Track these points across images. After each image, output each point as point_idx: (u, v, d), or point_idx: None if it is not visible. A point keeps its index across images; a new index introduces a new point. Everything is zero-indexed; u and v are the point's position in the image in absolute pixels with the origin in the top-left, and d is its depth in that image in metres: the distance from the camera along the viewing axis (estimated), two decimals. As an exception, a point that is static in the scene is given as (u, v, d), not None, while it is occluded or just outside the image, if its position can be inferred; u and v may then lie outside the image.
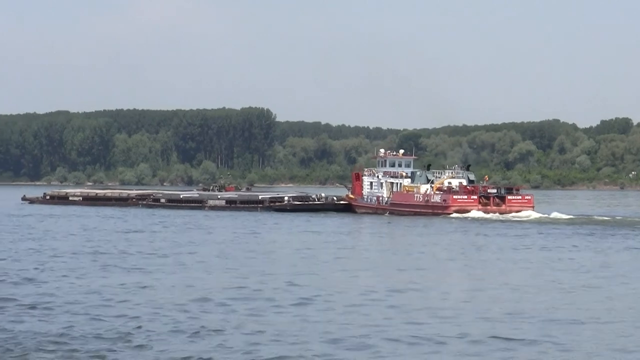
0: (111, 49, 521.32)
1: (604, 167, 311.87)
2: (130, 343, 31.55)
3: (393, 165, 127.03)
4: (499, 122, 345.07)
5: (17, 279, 48.68)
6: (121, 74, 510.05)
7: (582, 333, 35.08)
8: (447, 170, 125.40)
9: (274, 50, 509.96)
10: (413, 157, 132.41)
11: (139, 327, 34.31)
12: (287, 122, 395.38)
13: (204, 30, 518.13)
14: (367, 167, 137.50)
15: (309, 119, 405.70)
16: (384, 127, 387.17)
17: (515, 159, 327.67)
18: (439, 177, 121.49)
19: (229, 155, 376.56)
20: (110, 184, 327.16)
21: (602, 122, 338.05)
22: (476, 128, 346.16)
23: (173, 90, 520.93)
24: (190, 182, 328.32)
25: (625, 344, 32.60)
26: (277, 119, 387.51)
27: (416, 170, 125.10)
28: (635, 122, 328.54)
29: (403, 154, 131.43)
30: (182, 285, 47.46)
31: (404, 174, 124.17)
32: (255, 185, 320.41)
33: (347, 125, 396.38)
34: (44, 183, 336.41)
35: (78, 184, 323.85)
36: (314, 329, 34.69)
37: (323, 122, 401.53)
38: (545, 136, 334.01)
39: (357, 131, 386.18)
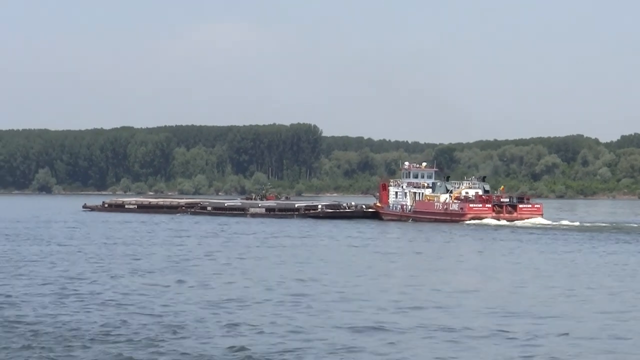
0: (171, 69, 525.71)
1: (623, 178, 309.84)
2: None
3: (416, 177, 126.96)
4: (527, 137, 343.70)
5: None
6: (180, 92, 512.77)
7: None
8: (465, 181, 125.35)
9: (320, 71, 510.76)
10: (434, 169, 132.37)
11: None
12: (333, 136, 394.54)
13: (255, 53, 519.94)
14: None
15: (353, 134, 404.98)
16: (422, 142, 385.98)
17: (541, 171, 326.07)
18: (457, 188, 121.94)
19: (278, 167, 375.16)
20: (170, 193, 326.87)
21: (622, 137, 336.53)
22: (506, 142, 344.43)
23: (228, 107, 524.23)
24: (243, 192, 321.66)
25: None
26: (323, 134, 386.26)
27: (437, 181, 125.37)
28: None
29: (425, 167, 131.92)
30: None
31: (426, 184, 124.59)
32: (303, 194, 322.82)
33: (387, 139, 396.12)
34: (110, 192, 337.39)
35: (140, 193, 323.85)
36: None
37: (365, 137, 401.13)
38: (570, 150, 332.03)
39: (397, 145, 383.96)
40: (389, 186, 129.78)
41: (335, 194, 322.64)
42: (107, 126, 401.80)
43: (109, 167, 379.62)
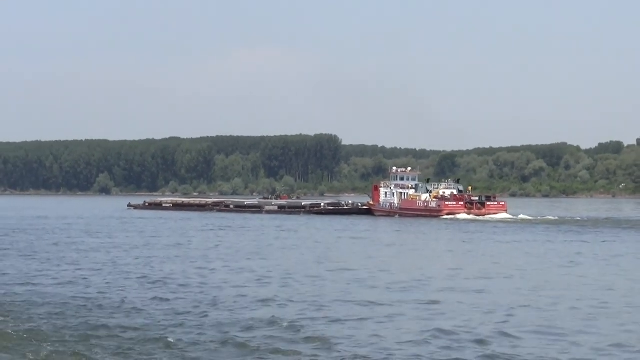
0: (213, 87, 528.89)
1: (600, 180, 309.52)
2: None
3: (402, 179, 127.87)
4: (518, 145, 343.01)
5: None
6: (221, 107, 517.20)
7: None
8: (442, 183, 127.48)
9: (340, 88, 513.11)
10: (417, 173, 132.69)
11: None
12: (351, 145, 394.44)
13: (285, 74, 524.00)
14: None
15: (368, 142, 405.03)
16: (428, 149, 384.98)
17: (530, 174, 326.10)
18: (436, 188, 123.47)
19: (304, 171, 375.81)
20: (211, 194, 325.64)
21: (600, 144, 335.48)
22: (499, 149, 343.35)
23: (261, 120, 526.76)
24: (273, 193, 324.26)
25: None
26: (343, 143, 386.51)
27: (419, 182, 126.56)
28: (625, 145, 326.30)
29: (410, 171, 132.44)
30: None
31: (410, 185, 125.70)
32: (325, 194, 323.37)
33: (398, 147, 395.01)
34: (160, 194, 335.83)
35: (186, 194, 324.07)
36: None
37: (379, 145, 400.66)
38: (554, 155, 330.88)
39: (407, 152, 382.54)
40: (380, 187, 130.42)
41: (352, 194, 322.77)
42: (158, 137, 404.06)
43: (159, 172, 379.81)
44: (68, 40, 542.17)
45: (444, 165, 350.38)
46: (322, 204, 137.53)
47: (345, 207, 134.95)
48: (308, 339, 26.18)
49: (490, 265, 50.76)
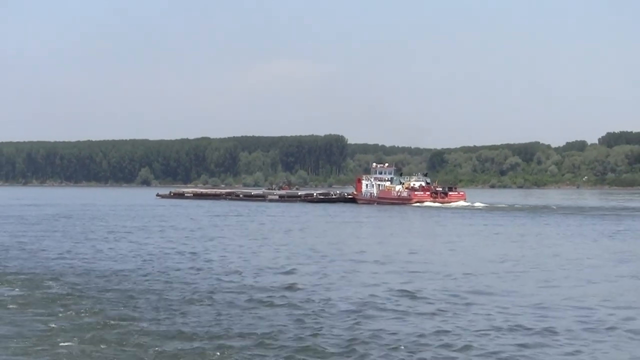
0: (239, 93, 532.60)
1: (566, 173, 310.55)
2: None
3: (381, 173, 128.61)
4: (498, 143, 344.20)
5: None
6: (246, 111, 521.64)
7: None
8: (413, 176, 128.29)
9: (347, 95, 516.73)
10: (393, 167, 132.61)
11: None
12: (356, 143, 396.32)
13: (299, 82, 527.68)
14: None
15: (371, 141, 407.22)
16: (422, 147, 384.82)
17: (507, 168, 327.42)
18: (408, 180, 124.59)
19: (316, 166, 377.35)
20: (236, 186, 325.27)
21: (567, 143, 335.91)
22: (482, 147, 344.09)
23: (278, 122, 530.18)
24: (289, 184, 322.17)
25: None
26: (349, 142, 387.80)
27: (394, 176, 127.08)
28: (589, 143, 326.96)
29: (387, 166, 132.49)
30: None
31: (386, 178, 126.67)
32: (333, 186, 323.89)
33: (396, 146, 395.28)
34: (193, 185, 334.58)
35: (215, 186, 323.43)
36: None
37: (380, 144, 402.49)
38: (528, 152, 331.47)
39: (403, 150, 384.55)
40: (362, 180, 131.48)
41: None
42: (191, 136, 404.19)
43: (192, 167, 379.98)
44: (116, 56, 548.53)
45: (434, 161, 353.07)
46: (315, 194, 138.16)
47: (334, 197, 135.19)
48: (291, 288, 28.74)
49: (434, 239, 53.99)
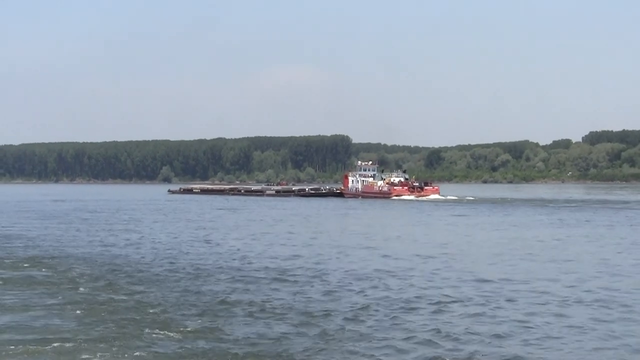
0: (252, 97, 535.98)
1: (552, 169, 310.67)
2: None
3: (365, 170, 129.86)
4: (490, 142, 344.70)
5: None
6: (258, 113, 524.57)
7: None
8: (393, 173, 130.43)
9: (351, 97, 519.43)
10: (376, 165, 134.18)
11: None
12: (360, 143, 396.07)
13: (308, 86, 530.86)
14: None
15: (374, 141, 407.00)
16: (420, 145, 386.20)
17: (498, 165, 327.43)
18: (388, 177, 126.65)
19: (323, 164, 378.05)
20: (250, 182, 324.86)
21: (554, 141, 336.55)
22: (476, 146, 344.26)
23: (287, 123, 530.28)
24: (299, 181, 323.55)
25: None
26: (353, 141, 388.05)
27: (376, 172, 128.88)
28: (574, 141, 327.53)
29: (370, 164, 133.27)
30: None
31: (370, 174, 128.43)
32: (338, 182, 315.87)
33: (397, 145, 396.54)
34: (210, 182, 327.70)
35: (230, 182, 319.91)
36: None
37: (382, 143, 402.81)
38: (518, 150, 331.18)
39: (403, 148, 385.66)
40: (348, 176, 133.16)
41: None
42: (208, 137, 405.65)
43: (209, 165, 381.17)
44: (141, 65, 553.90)
45: (432, 159, 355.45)
46: (307, 189, 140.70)
47: (324, 191, 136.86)
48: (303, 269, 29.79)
49: (413, 226, 55.66)
